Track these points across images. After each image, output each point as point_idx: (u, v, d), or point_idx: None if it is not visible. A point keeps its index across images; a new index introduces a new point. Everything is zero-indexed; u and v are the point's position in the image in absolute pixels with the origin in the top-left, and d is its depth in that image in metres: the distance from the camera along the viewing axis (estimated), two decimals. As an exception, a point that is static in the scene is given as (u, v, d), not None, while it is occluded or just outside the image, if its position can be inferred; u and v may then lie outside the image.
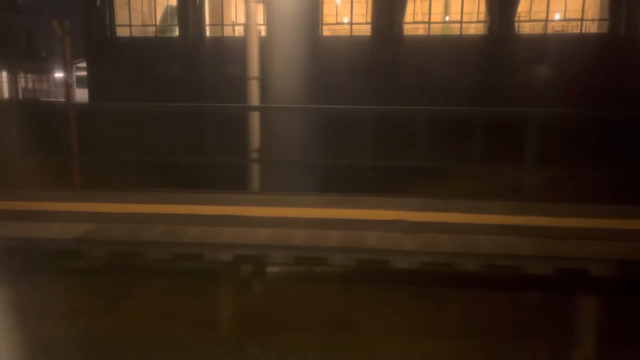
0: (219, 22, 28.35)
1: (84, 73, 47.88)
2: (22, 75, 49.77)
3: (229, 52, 26.79)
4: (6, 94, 45.60)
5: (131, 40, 28.69)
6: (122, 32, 28.74)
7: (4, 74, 47.60)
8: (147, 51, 27.62)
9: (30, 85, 49.75)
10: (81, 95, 45.20)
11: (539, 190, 5.42)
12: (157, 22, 29.52)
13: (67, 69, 9.06)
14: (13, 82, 47.57)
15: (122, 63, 27.30)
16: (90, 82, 30.01)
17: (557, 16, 24.58)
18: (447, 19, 25.71)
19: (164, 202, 5.29)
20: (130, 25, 29.21)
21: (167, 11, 29.93)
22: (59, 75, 50.80)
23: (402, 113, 8.37)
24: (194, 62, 26.54)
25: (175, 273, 4.17)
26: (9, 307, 3.84)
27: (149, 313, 3.69)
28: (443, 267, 3.84)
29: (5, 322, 3.42)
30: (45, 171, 6.15)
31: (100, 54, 28.56)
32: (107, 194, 5.64)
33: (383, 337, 3.45)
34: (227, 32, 28.41)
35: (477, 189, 6.52)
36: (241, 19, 28.82)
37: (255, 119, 6.66)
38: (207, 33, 28.16)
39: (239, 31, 28.43)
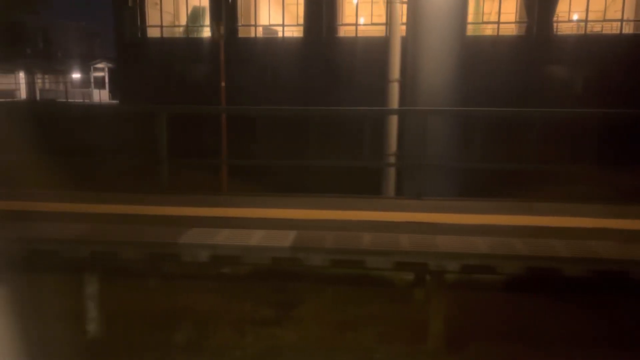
0: (251, 24, 28.30)
1: (100, 74, 47.93)
2: (39, 75, 49.65)
3: (261, 53, 26.81)
4: (24, 95, 45.58)
5: (162, 40, 28.64)
6: (152, 32, 28.67)
7: (22, 74, 47.59)
8: (177, 52, 27.55)
9: (47, 86, 49.77)
10: (97, 96, 45.19)
11: None
12: (186, 23, 29.46)
13: (222, 71, 8.92)
14: (31, 83, 47.52)
15: (154, 64, 27.23)
16: (121, 83, 30.00)
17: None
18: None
19: (335, 208, 5.22)
20: (161, 26, 29.18)
21: (199, 12, 29.85)
22: (75, 76, 50.69)
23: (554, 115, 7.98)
24: (226, 63, 26.44)
25: (406, 283, 4.08)
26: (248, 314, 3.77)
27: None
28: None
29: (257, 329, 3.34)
30: (190, 175, 6.07)
31: (131, 55, 28.45)
32: (264, 198, 5.58)
33: None
34: (256, 33, 28.34)
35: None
36: (274, 20, 28.83)
37: (393, 122, 6.58)
38: (239, 34, 28.09)
39: (257, 32, 28.35)
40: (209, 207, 5.17)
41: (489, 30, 25.64)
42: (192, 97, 23.75)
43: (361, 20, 27.25)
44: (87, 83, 47.82)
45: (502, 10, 25.24)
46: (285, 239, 4.31)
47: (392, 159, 6.63)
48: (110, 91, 46.42)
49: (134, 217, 4.75)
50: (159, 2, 29.37)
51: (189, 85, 26.26)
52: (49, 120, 10.38)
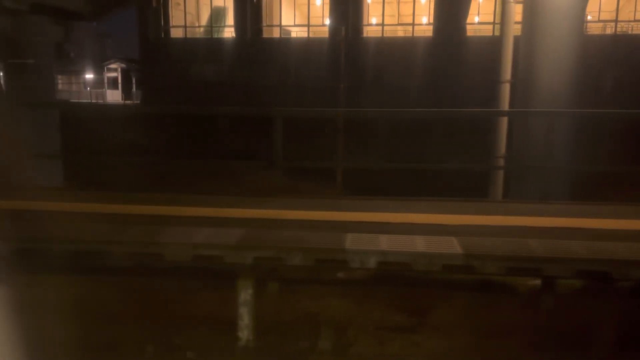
0: (275, 24, 28.13)
1: (113, 74, 47.78)
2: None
3: (284, 54, 26.62)
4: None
5: (185, 41, 28.47)
6: (175, 33, 28.52)
7: (34, 74, 47.21)
8: (200, 52, 27.37)
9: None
10: (111, 96, 45.03)
11: None
12: (210, 24, 29.27)
13: (342, 73, 8.67)
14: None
15: (177, 64, 27.04)
16: (144, 83, 29.87)
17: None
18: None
19: (467, 212, 5.04)
20: (185, 27, 29.01)
21: (221, 12, 29.65)
22: (89, 76, 50.54)
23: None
24: (250, 64, 26.27)
25: (593, 292, 3.89)
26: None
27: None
28: None
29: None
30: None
31: (154, 55, 28.22)
32: (385, 202, 5.40)
33: None
34: (277, 34, 28.15)
35: None
36: (291, 20, 28.68)
37: (503, 124, 6.40)
38: (264, 34, 27.92)
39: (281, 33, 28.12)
40: (340, 211, 4.96)
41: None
42: (216, 98, 23.60)
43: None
44: (99, 83, 47.67)
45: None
46: (450, 245, 4.12)
47: (501, 162, 6.45)
48: (122, 91, 46.28)
49: (274, 222, 4.55)
50: (181, 2, 29.18)
51: (212, 85, 26.10)
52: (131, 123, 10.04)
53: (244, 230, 4.24)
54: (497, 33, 25.07)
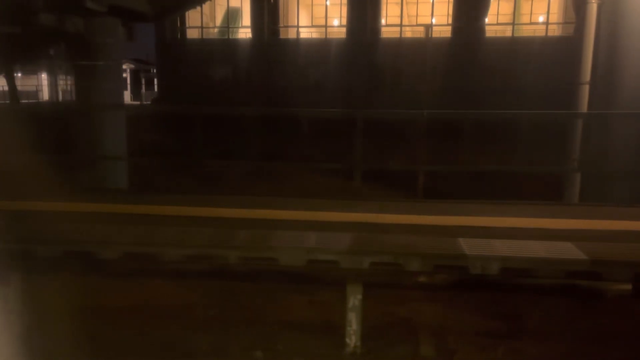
0: (292, 25, 27.99)
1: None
2: (62, 76, 49.31)
3: (302, 55, 26.45)
4: (46, 97, 45.30)
5: (202, 42, 28.31)
6: (191, 34, 28.39)
7: (44, 76, 47.25)
8: (216, 53, 27.21)
9: (69, 87, 49.37)
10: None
11: None
12: (227, 24, 29.12)
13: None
14: (53, 84, 47.19)
15: (194, 65, 26.88)
16: (161, 84, 29.78)
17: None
18: None
19: (563, 215, 4.85)
20: (201, 27, 28.86)
21: (236, 13, 29.48)
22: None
23: None
24: (266, 65, 26.09)
25: None
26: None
27: None
28: None
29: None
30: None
31: (170, 56, 28.04)
32: (475, 205, 5.20)
33: None
34: (291, 34, 28.01)
35: None
36: (305, 21, 28.51)
37: (579, 126, 6.20)
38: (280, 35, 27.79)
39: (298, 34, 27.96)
40: (435, 215, 4.75)
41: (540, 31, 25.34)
42: (231, 98, 23.43)
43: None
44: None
45: (550, 11, 25.12)
46: (570, 250, 3.93)
47: (578, 165, 6.26)
48: (131, 92, 46.10)
49: (373, 226, 4.36)
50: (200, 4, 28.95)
51: (228, 85, 25.93)
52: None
53: (349, 234, 4.04)
54: (516, 34, 25.08)
